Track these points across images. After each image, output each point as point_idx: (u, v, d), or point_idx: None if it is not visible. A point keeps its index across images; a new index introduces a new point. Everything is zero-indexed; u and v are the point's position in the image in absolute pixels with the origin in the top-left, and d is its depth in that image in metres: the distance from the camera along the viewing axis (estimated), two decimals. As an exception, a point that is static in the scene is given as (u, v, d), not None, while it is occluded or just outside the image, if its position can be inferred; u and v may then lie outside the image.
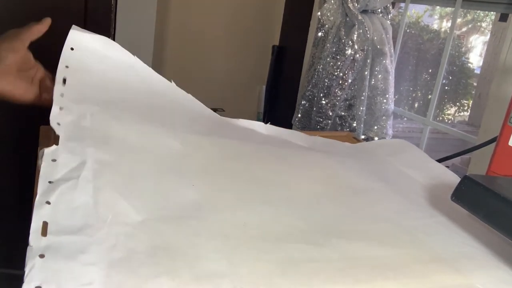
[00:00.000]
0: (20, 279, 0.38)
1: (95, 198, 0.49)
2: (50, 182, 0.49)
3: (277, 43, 2.62)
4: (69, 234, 0.43)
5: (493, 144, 0.70)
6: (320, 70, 1.82)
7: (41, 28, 0.68)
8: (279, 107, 2.58)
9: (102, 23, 1.47)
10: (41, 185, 0.48)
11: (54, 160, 0.52)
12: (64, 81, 0.64)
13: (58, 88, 0.63)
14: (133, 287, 0.40)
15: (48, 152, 0.53)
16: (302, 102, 1.92)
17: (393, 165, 0.79)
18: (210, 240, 0.48)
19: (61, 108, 0.60)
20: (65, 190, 0.48)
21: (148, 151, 0.60)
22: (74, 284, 0.38)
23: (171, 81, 0.78)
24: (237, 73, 2.63)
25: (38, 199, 0.46)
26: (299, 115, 1.93)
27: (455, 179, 0.73)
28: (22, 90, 0.66)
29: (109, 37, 0.74)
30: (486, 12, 2.90)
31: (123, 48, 0.74)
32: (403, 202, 0.65)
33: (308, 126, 1.90)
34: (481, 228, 0.59)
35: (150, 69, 0.76)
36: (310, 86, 1.87)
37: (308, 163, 0.72)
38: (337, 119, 1.83)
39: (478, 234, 0.58)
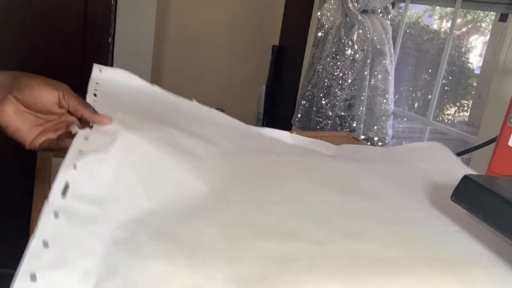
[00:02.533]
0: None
1: (116, 176, 0.51)
2: (80, 151, 0.51)
3: (277, 43, 2.62)
4: (85, 202, 0.46)
5: (493, 144, 0.70)
6: (320, 70, 1.82)
7: (94, 116, 0.58)
8: (279, 107, 2.58)
9: (102, 23, 1.47)
10: (71, 152, 0.50)
11: (86, 138, 0.54)
12: (95, 95, 0.66)
13: (89, 98, 0.64)
14: (131, 265, 0.42)
15: (81, 132, 0.55)
16: (302, 102, 1.91)
17: (423, 172, 0.76)
18: (212, 237, 0.49)
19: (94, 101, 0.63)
20: (92, 160, 0.51)
21: (170, 152, 0.61)
22: (77, 251, 0.41)
23: (192, 100, 0.80)
24: (237, 73, 2.63)
25: (66, 161, 0.48)
26: (299, 115, 1.93)
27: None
28: (18, 129, 0.59)
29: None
30: (486, 12, 2.90)
31: (141, 79, 0.76)
32: (423, 210, 0.64)
33: (308, 126, 1.90)
34: (480, 228, 0.59)
35: (171, 94, 0.79)
36: (310, 86, 1.87)
37: (329, 171, 0.71)
38: (337, 119, 1.83)
39: (477, 234, 0.58)
